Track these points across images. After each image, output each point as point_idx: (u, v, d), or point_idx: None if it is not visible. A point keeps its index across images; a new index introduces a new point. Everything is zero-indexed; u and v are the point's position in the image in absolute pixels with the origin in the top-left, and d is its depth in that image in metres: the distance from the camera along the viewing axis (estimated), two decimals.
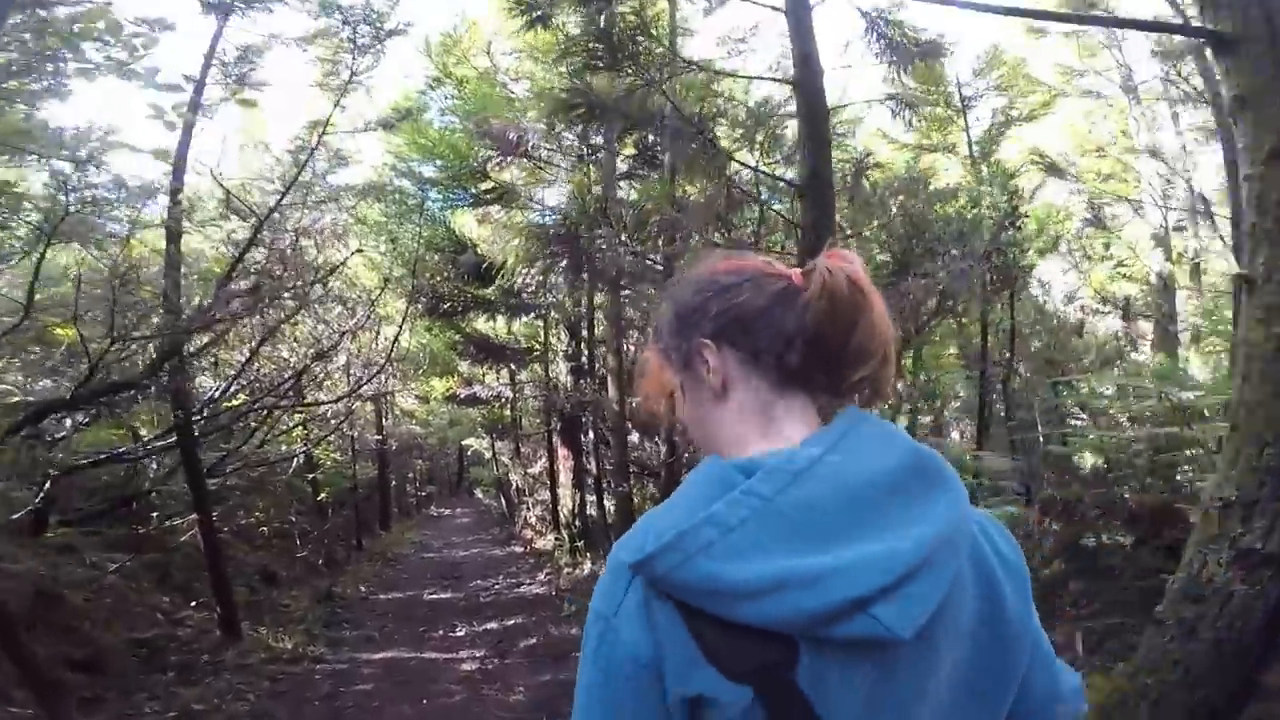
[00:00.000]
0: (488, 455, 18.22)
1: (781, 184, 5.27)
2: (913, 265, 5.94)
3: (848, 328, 0.73)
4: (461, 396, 10.82)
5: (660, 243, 5.54)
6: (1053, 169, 9.87)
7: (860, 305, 0.73)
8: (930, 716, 0.69)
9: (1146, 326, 11.87)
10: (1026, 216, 6.50)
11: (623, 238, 5.12)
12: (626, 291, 7.94)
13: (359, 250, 7.47)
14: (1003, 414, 7.44)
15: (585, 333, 10.19)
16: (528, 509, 15.50)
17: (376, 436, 15.49)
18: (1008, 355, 7.32)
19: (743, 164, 5.04)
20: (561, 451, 10.94)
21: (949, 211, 6.21)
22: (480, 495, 23.25)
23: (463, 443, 20.39)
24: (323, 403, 9.13)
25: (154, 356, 5.41)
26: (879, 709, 0.66)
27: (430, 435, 19.09)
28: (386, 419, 16.13)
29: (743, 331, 0.76)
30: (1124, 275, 11.54)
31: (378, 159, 9.87)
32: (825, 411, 0.76)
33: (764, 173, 5.01)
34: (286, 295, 6.00)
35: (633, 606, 0.68)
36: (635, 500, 12.80)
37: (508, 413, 13.66)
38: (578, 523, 10.91)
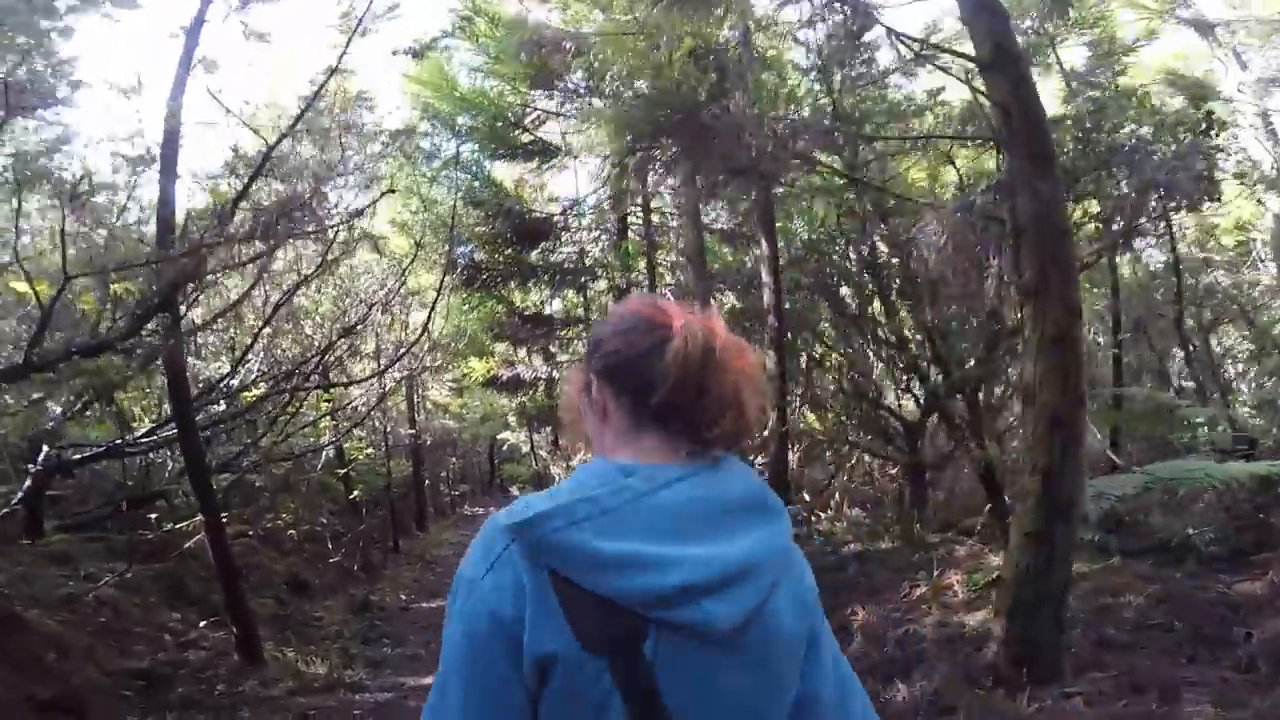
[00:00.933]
0: (524, 449, 17.03)
1: (954, 60, 3.99)
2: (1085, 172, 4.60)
3: (699, 387, 0.84)
4: (503, 379, 9.61)
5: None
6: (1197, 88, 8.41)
7: (711, 368, 0.85)
8: (737, 714, 0.83)
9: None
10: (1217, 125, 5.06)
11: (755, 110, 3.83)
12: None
13: (390, 190, 6.26)
14: (1183, 360, 6.08)
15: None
16: None
17: (410, 430, 14.38)
18: (1175, 296, 5.95)
19: (902, 37, 3.75)
20: None
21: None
22: (516, 492, 22.15)
23: (497, 437, 19.22)
24: (352, 382, 7.97)
25: (137, 311, 4.23)
26: (700, 693, 0.79)
27: (464, 430, 17.97)
28: (419, 413, 15.03)
29: (618, 372, 0.89)
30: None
31: (405, 114, 8.69)
32: (690, 450, 0.87)
33: (929, 47, 3.73)
34: (309, 229, 4.79)
35: (503, 569, 0.78)
36: None
37: (549, 398, 12.47)
38: None
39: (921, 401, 6.55)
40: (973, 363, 5.15)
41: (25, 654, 3.66)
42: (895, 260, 5.68)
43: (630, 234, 9.42)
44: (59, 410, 6.01)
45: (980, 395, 5.18)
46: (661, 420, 0.86)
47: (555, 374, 10.26)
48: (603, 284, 9.80)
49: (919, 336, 5.80)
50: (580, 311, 10.20)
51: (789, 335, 5.57)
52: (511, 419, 19.75)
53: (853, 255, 6.32)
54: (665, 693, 0.77)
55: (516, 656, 0.76)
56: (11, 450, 6.53)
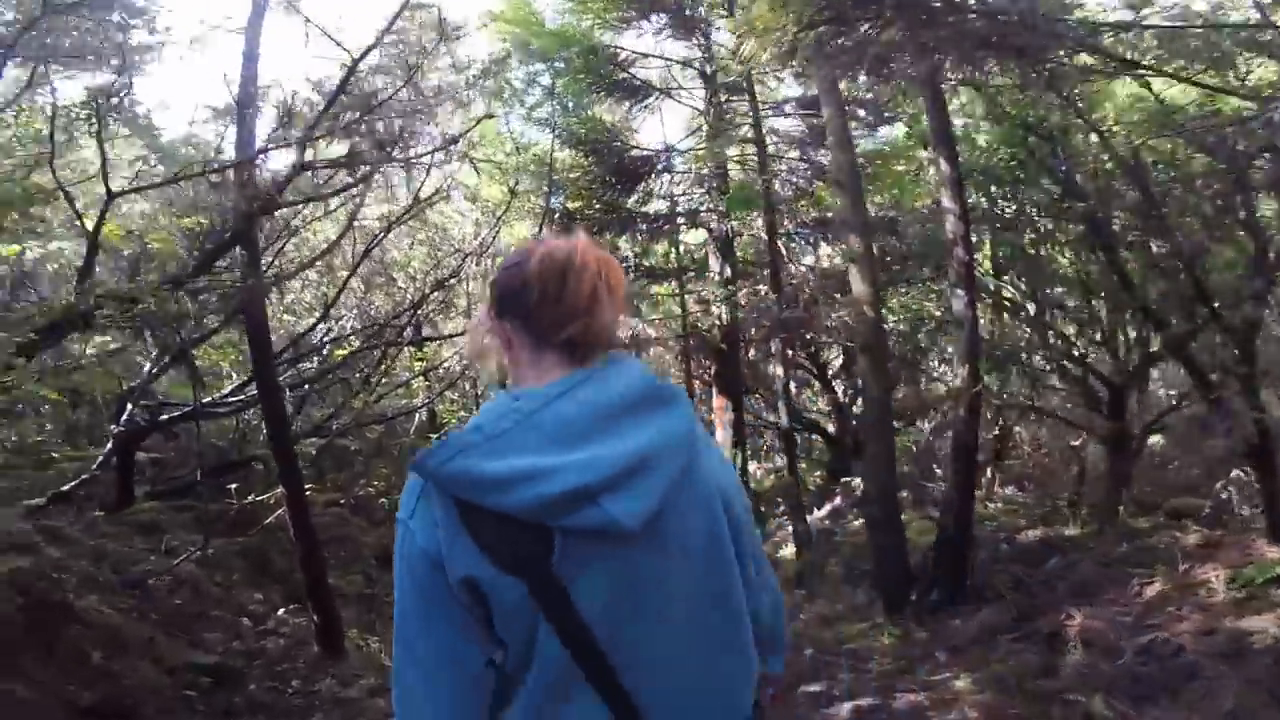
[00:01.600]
0: None
1: None
2: None
3: (560, 291, 0.90)
4: None
5: None
6: None
7: (569, 272, 0.90)
8: (668, 607, 0.86)
9: None
10: None
11: None
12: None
13: (489, 115, 5.41)
14: None
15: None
16: None
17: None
18: None
19: None
20: (718, 402, 8.66)
21: None
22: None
23: None
24: (445, 336, 7.30)
25: (208, 245, 3.52)
26: (622, 595, 0.83)
27: None
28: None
29: (506, 303, 0.95)
30: None
31: (492, 49, 7.84)
32: (586, 357, 0.92)
33: None
34: (398, 157, 4.00)
35: (421, 508, 0.85)
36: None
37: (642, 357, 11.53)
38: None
39: (1133, 356, 5.16)
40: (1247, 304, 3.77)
41: (73, 651, 3.07)
42: (1125, 186, 4.32)
43: (736, 177, 8.27)
44: (146, 365, 5.58)
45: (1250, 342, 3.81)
46: (547, 334, 0.91)
47: (651, 331, 9.33)
48: (700, 234, 8.68)
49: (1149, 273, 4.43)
50: (674, 263, 9.17)
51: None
52: None
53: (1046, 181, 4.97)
54: (582, 606, 0.81)
55: (446, 582, 0.82)
56: (100, 409, 6.20)
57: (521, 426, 0.82)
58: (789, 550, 7.62)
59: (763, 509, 9.63)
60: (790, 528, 7.84)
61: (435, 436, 11.15)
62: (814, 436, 11.58)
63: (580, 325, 0.90)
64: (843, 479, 9.38)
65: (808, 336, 6.90)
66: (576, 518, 0.79)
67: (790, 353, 7.06)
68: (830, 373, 10.24)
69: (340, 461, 7.88)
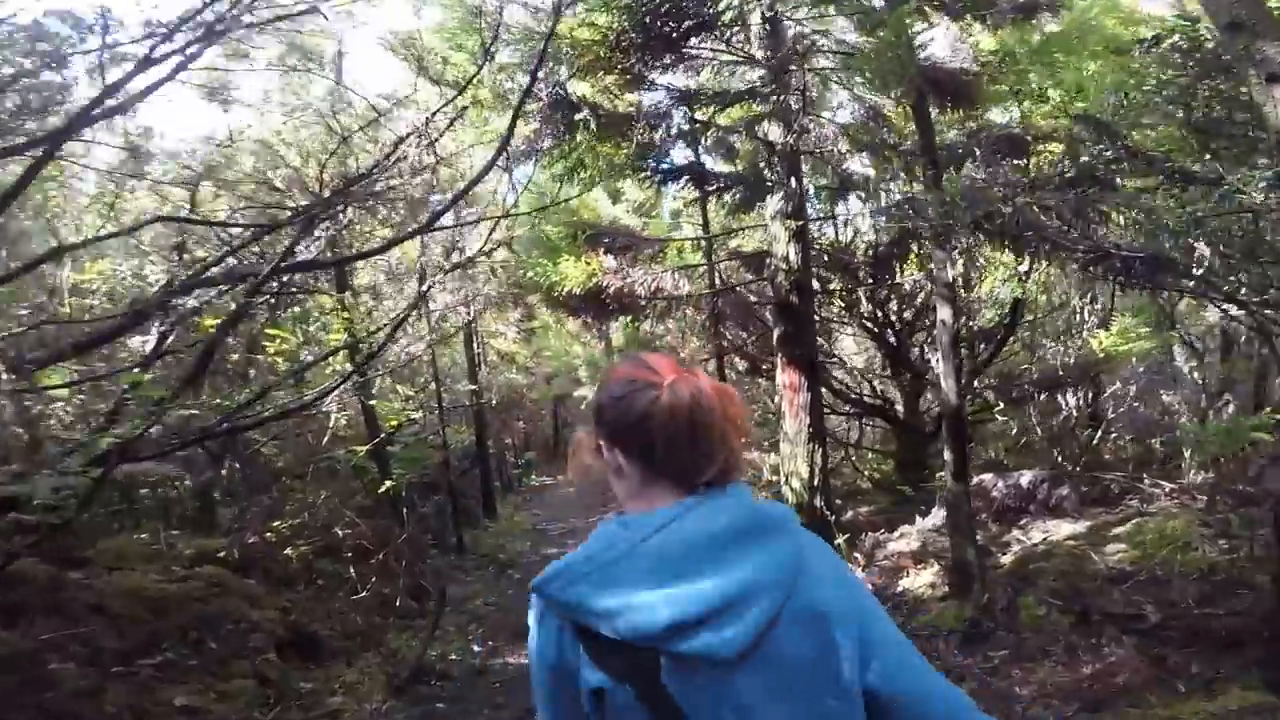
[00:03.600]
0: None
1: None
2: None
3: (690, 439, 0.92)
4: (610, 293, 5.97)
5: None
6: None
7: (698, 421, 0.92)
8: (773, 705, 0.88)
9: None
10: None
11: None
12: None
13: None
14: None
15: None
16: None
17: (471, 386, 10.99)
18: None
19: None
20: (787, 377, 6.00)
21: None
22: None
23: (573, 395, 15.76)
24: (363, 255, 4.47)
25: None
26: (722, 706, 0.86)
27: (533, 388, 14.54)
28: (481, 365, 11.61)
29: (623, 434, 0.96)
30: None
31: None
32: (695, 488, 0.94)
33: None
34: None
35: (546, 623, 0.92)
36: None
37: (661, 327, 8.81)
38: (819, 499, 5.98)
39: None
40: None
41: None
42: None
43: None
44: None
45: None
46: (664, 471, 0.94)
47: (686, 287, 6.59)
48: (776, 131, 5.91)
49: None
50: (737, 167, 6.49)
51: None
52: (583, 372, 16.36)
53: None
54: (687, 708, 0.86)
55: (574, 686, 0.89)
56: None
57: (630, 556, 0.88)
58: (931, 585, 5.03)
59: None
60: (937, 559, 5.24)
61: (396, 453, 8.28)
62: (865, 421, 9.12)
63: (714, 470, 0.94)
64: (939, 475, 6.86)
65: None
66: (679, 645, 0.84)
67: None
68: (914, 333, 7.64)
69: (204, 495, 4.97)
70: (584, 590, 0.87)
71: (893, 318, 7.35)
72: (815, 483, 5.89)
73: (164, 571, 4.55)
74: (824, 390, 9.90)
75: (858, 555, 5.96)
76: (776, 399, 6.28)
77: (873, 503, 7.59)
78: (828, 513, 5.94)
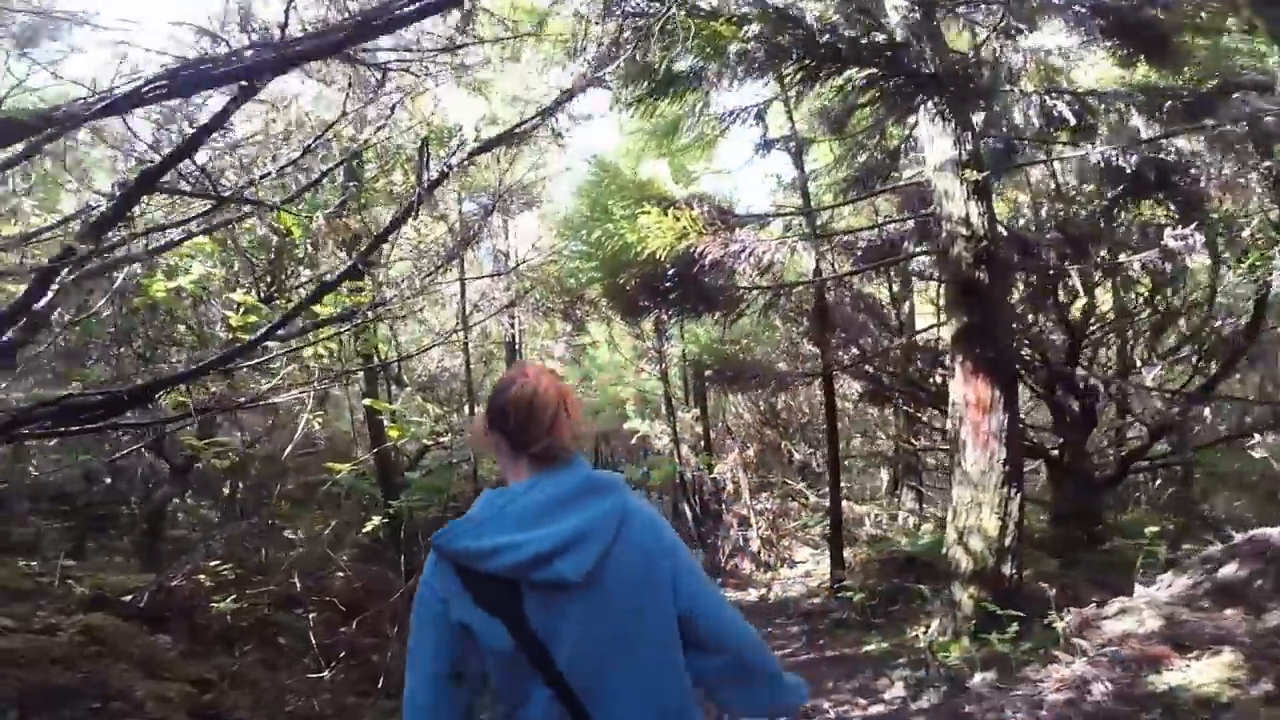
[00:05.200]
0: (662, 441, 11.70)
1: None
2: None
3: (529, 419, 1.28)
4: (708, 262, 4.26)
5: None
6: None
7: (536, 404, 1.28)
8: (612, 632, 1.20)
9: None
10: None
11: None
12: None
13: None
14: None
15: None
16: (741, 522, 8.84)
17: None
18: None
19: None
20: (970, 391, 4.16)
21: None
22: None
23: (624, 427, 13.99)
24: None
25: None
26: (570, 624, 1.18)
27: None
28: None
29: (495, 418, 1.31)
30: None
31: None
32: (550, 461, 1.29)
33: None
34: None
35: (435, 567, 1.24)
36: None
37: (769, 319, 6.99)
38: (1010, 565, 4.08)
39: None
40: None
41: None
42: None
43: None
44: None
45: None
46: (520, 448, 1.28)
47: (807, 260, 4.89)
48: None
49: None
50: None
51: None
52: (630, 408, 14.62)
53: None
54: (540, 631, 1.17)
55: (448, 620, 1.21)
56: None
57: (499, 516, 1.22)
58: (1229, 681, 3.07)
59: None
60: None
61: (415, 479, 6.64)
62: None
63: (544, 444, 1.27)
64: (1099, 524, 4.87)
65: None
66: (537, 574, 1.16)
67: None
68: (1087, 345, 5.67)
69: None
70: (466, 541, 1.20)
71: (1073, 314, 5.48)
72: (1007, 542, 4.01)
73: (42, 614, 2.97)
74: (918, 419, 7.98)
75: (1073, 641, 4.01)
76: (948, 424, 4.44)
77: (1032, 565, 5.68)
78: (1017, 579, 4.06)
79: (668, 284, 4.96)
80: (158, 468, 4.39)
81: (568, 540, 1.16)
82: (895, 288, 7.28)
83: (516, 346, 9.33)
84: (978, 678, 4.18)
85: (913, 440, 8.12)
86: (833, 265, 6.16)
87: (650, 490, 16.21)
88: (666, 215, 4.35)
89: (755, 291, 4.98)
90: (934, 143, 4.35)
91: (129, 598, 3.17)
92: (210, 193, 2.52)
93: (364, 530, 3.71)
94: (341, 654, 3.68)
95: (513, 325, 8.99)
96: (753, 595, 7.50)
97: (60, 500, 4.72)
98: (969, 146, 4.25)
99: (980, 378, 4.11)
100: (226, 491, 5.14)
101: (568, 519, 1.19)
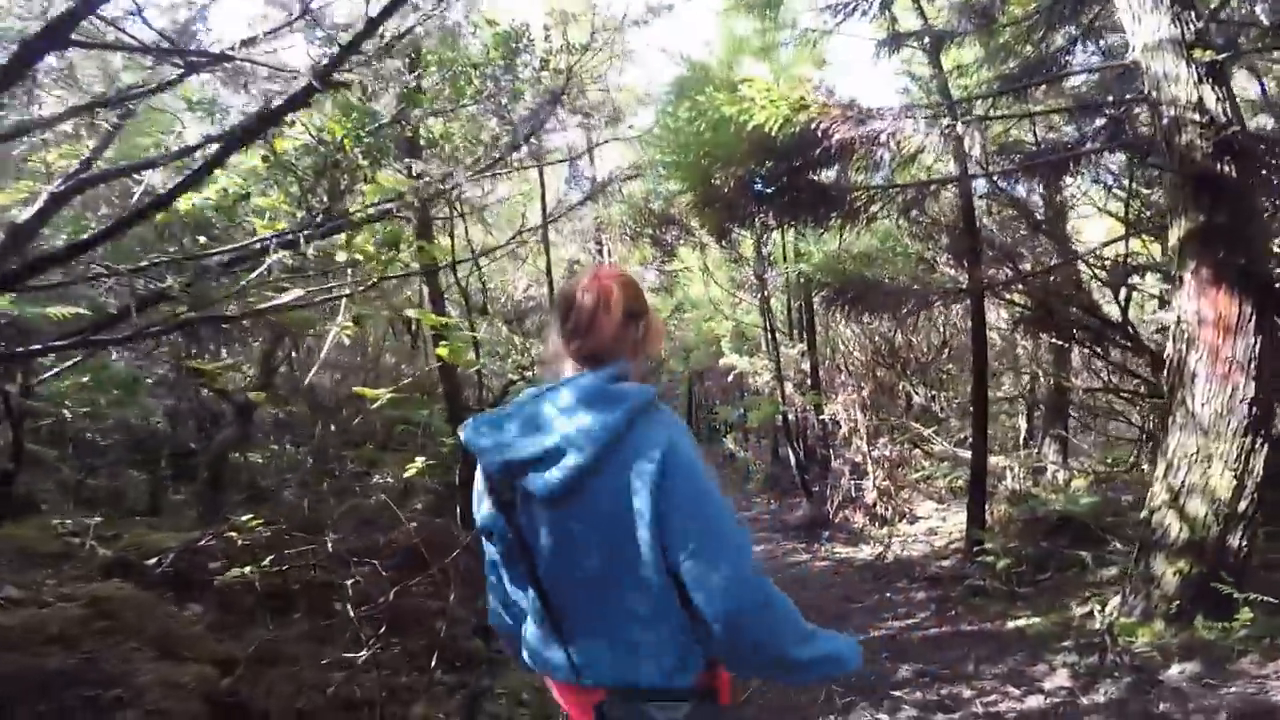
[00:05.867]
0: (762, 378, 10.76)
1: None
2: None
3: (566, 315, 1.20)
4: (834, 139, 3.25)
5: None
6: None
7: (576, 302, 1.19)
8: (579, 559, 1.11)
9: None
10: None
11: None
12: None
13: None
14: None
15: None
16: (853, 470, 7.86)
17: None
18: None
19: None
20: (1208, 305, 2.99)
21: None
22: (730, 444, 16.06)
23: (720, 362, 13.16)
24: None
25: None
26: (547, 541, 1.13)
27: (669, 352, 12.13)
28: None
29: (554, 314, 1.25)
30: None
31: None
32: (589, 362, 1.19)
33: None
34: None
35: (476, 466, 1.24)
36: None
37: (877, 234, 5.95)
38: (1240, 536, 2.99)
39: None
40: None
41: None
42: None
43: None
44: None
45: None
46: (565, 346, 1.20)
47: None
48: None
49: None
50: None
51: None
52: (726, 344, 13.70)
53: None
54: (526, 533, 1.15)
55: (481, 507, 1.24)
56: None
57: (513, 415, 1.16)
58: None
59: None
60: None
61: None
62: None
63: (577, 344, 1.18)
64: None
65: None
66: (520, 482, 1.12)
67: None
68: None
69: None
70: (479, 435, 1.16)
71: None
72: (1241, 506, 2.94)
73: (50, 584, 2.62)
74: (1092, 362, 6.60)
75: None
76: (1168, 351, 3.31)
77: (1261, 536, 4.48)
78: (1246, 552, 3.00)
79: (775, 182, 4.01)
80: (218, 410, 4.04)
81: (544, 453, 1.10)
82: (1059, 197, 5.87)
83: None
84: (1175, 669, 3.22)
85: (1070, 379, 6.79)
86: (982, 164, 4.91)
87: (747, 433, 15.39)
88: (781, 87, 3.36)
89: (893, 190, 3.91)
90: (1141, 21, 3.30)
91: (153, 561, 2.77)
92: (161, 49, 1.84)
93: (409, 473, 3.14)
94: (389, 623, 3.19)
95: (600, 252, 8.24)
96: (865, 553, 6.62)
97: (139, 449, 4.50)
98: (1195, 25, 3.07)
99: (1222, 290, 2.96)
100: (297, 435, 4.82)
101: (555, 430, 1.10)
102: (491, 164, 3.28)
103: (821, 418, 8.76)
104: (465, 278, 7.30)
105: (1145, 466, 6.71)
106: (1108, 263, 4.84)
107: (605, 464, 1.06)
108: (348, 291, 2.51)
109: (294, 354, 5.12)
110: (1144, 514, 3.53)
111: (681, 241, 8.79)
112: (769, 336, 9.81)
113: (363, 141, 3.09)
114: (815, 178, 4.34)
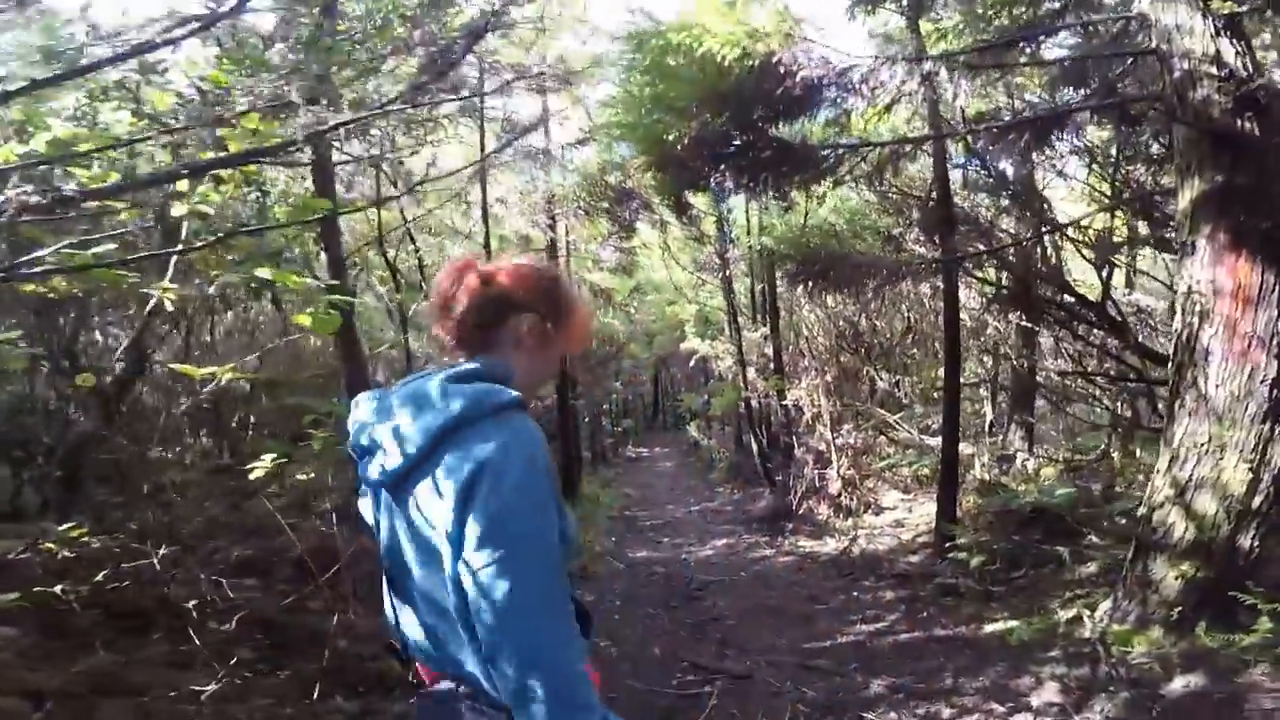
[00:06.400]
0: (725, 363, 10.32)
1: None
2: None
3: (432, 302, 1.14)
4: (797, 79, 2.83)
5: None
6: None
7: (437, 289, 1.12)
8: (400, 559, 1.04)
9: None
10: None
11: None
12: None
13: None
14: None
15: None
16: (817, 459, 7.48)
17: None
18: None
19: None
20: (1225, 274, 2.57)
21: None
22: (694, 431, 15.66)
23: (682, 346, 12.67)
24: None
25: None
26: (382, 527, 1.07)
27: (631, 339, 11.62)
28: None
29: None
30: None
31: None
32: (460, 354, 1.13)
33: None
34: None
35: None
36: None
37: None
38: (1252, 536, 2.63)
39: None
40: None
41: None
42: None
43: None
44: None
45: None
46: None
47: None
48: None
49: None
50: None
51: None
52: (690, 328, 13.25)
53: None
54: (374, 522, 1.10)
55: None
56: None
57: (390, 394, 1.06)
58: None
59: None
60: None
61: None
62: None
63: (438, 329, 1.12)
64: None
65: None
66: (359, 466, 1.07)
67: None
68: None
69: None
70: (353, 410, 1.09)
71: None
72: (1256, 502, 2.57)
73: None
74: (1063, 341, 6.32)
75: None
76: (1175, 324, 2.92)
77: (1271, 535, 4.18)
78: (1256, 553, 2.64)
79: (733, 138, 3.53)
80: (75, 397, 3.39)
81: (372, 445, 1.04)
82: (1037, 168, 5.50)
83: (558, 250, 8.01)
84: (1178, 682, 2.88)
85: (1041, 362, 6.48)
86: (961, 124, 4.47)
87: (711, 420, 15.03)
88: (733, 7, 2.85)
89: (864, 150, 3.46)
90: None
91: None
92: None
93: (257, 473, 2.55)
94: (276, 644, 2.62)
95: (552, 227, 7.65)
96: (830, 546, 6.24)
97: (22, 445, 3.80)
98: None
99: (1241, 257, 2.58)
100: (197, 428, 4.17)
101: (388, 421, 1.03)
102: (390, 103, 2.70)
103: (784, 403, 8.36)
104: (393, 251, 6.66)
105: (1115, 455, 6.46)
106: (1091, 237, 4.48)
107: (418, 469, 0.97)
108: (180, 250, 1.92)
109: (190, 336, 4.46)
110: (1142, 510, 3.16)
111: (640, 218, 8.25)
112: (731, 318, 9.36)
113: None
114: (777, 132, 3.85)
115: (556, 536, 0.94)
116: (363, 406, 1.08)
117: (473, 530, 0.90)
